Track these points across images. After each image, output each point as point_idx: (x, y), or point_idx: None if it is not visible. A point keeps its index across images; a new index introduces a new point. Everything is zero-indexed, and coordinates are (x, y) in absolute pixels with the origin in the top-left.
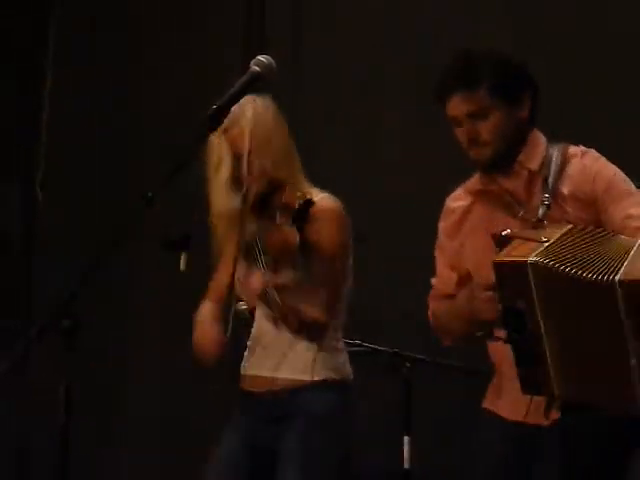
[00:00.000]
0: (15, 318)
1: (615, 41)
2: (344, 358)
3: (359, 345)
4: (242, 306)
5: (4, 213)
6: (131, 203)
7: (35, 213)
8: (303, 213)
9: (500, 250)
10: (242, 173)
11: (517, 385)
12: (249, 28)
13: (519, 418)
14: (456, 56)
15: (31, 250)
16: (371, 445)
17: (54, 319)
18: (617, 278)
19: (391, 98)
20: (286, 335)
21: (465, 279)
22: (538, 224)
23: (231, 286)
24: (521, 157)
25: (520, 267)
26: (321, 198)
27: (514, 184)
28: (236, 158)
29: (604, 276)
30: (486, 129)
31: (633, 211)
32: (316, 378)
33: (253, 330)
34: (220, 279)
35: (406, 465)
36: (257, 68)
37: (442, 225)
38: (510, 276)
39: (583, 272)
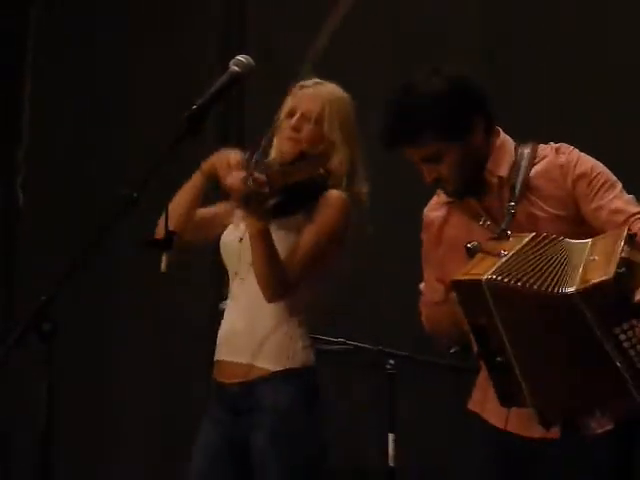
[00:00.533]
0: None
1: (616, 40)
2: (305, 345)
3: (343, 343)
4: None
5: None
6: (113, 204)
7: (16, 215)
8: (315, 185)
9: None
10: (290, 124)
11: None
12: (228, 28)
13: (501, 426)
14: (389, 107)
15: (12, 252)
16: (356, 443)
17: (34, 322)
18: (572, 290)
19: (375, 97)
20: (255, 321)
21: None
22: (501, 235)
23: None
24: (489, 166)
25: (476, 285)
26: (335, 191)
27: (486, 194)
28: (292, 111)
29: (558, 288)
30: (444, 170)
31: (618, 204)
32: (278, 367)
33: (223, 320)
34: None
35: (391, 463)
36: (236, 68)
37: (424, 236)
38: (469, 294)
39: (537, 285)
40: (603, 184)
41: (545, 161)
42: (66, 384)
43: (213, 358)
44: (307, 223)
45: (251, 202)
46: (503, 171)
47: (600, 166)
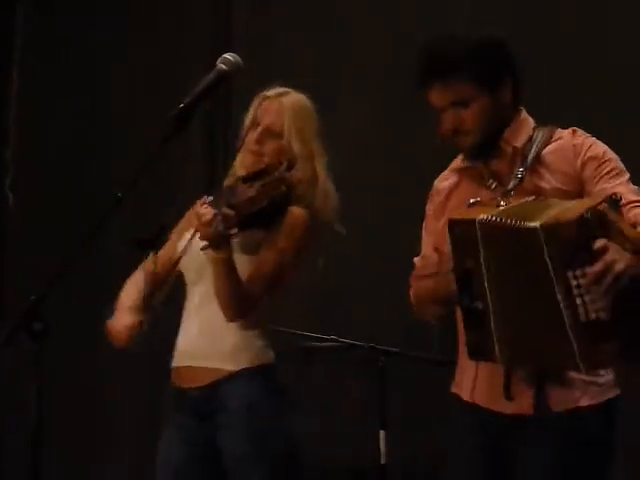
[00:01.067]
0: None
1: (615, 40)
2: (264, 344)
3: (335, 341)
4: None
5: None
6: (101, 204)
7: (5, 216)
8: (275, 206)
9: None
10: (252, 138)
11: (470, 364)
12: (216, 26)
13: (468, 398)
14: (431, 44)
15: (2, 252)
16: (347, 440)
17: (25, 321)
18: (536, 224)
19: (361, 92)
20: (210, 322)
21: (447, 259)
22: (506, 194)
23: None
24: (507, 134)
25: (470, 225)
26: (295, 208)
27: (499, 162)
28: (254, 123)
29: (524, 222)
30: (469, 117)
31: (619, 189)
32: (237, 367)
33: (181, 327)
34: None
35: (382, 460)
36: (223, 66)
37: (429, 206)
38: (461, 233)
39: (512, 220)
40: (611, 170)
41: (560, 141)
42: (57, 384)
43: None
44: (268, 241)
45: (218, 238)
46: (519, 142)
47: (612, 153)
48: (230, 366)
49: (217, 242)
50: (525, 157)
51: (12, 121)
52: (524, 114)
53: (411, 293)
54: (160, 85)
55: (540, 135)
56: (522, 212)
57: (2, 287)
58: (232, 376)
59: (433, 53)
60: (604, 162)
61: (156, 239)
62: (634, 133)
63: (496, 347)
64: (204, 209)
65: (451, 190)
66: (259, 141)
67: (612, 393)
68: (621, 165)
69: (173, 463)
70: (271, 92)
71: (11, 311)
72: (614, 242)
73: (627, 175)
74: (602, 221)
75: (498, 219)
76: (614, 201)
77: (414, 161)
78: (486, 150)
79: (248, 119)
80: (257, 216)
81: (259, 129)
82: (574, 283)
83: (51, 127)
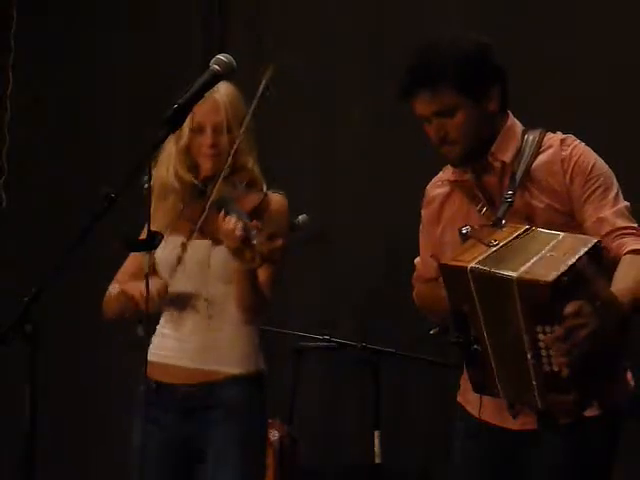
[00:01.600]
0: None
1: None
2: (259, 347)
3: (328, 340)
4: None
5: None
6: (95, 205)
7: None
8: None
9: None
10: (204, 143)
11: None
12: (209, 27)
13: (476, 414)
14: (417, 53)
15: None
16: (341, 440)
17: (16, 323)
18: (514, 275)
19: (347, 97)
20: (207, 324)
21: None
22: (497, 223)
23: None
24: (494, 149)
25: (461, 272)
26: (272, 195)
27: (489, 177)
28: (199, 129)
29: (503, 272)
30: (454, 127)
31: (606, 214)
32: (236, 372)
33: (169, 314)
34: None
35: (377, 460)
36: (217, 67)
37: (424, 212)
38: (454, 279)
39: (497, 269)
40: (597, 188)
41: (549, 152)
42: (50, 385)
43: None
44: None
45: (251, 250)
46: (507, 157)
47: (600, 166)
48: (230, 369)
49: (251, 254)
50: (513, 175)
51: (6, 122)
52: (511, 120)
53: (414, 295)
54: (155, 85)
55: (529, 145)
56: (512, 253)
57: None
58: (229, 379)
59: (419, 62)
60: (591, 179)
61: (149, 240)
62: (625, 139)
63: (499, 386)
64: (232, 223)
65: (444, 199)
66: (214, 144)
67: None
68: (610, 178)
69: (151, 455)
70: (217, 93)
71: (3, 312)
72: (586, 300)
73: (615, 189)
74: (578, 281)
75: (486, 269)
76: (597, 249)
77: (391, 170)
78: (473, 160)
79: (186, 126)
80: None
81: (207, 132)
82: (541, 337)
83: (44, 128)
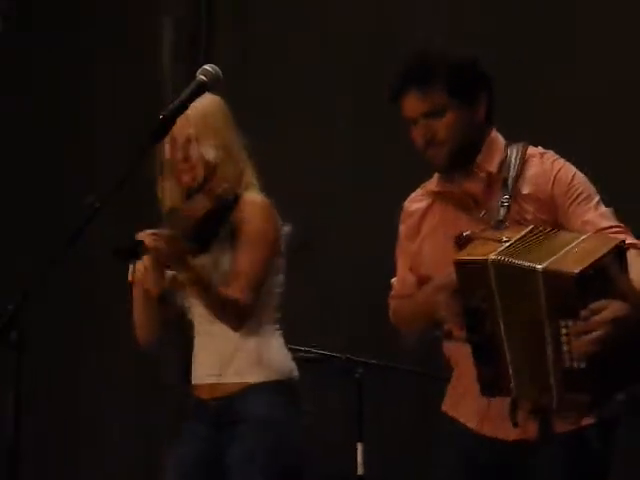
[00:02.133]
0: None
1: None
2: (285, 356)
3: (311, 352)
4: None
5: None
6: (79, 213)
7: None
8: (223, 204)
9: (460, 250)
10: (177, 158)
11: (474, 389)
12: (195, 36)
13: (474, 427)
14: (411, 55)
15: None
16: (324, 451)
17: (1, 331)
18: (540, 267)
19: (338, 101)
20: (223, 337)
21: (424, 281)
22: (499, 225)
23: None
24: (479, 159)
25: (481, 266)
26: (250, 194)
27: (473, 186)
28: (173, 142)
29: (529, 263)
30: (442, 128)
31: (589, 217)
32: (256, 380)
33: (195, 338)
34: None
35: (360, 471)
36: (204, 77)
37: (401, 227)
38: (471, 275)
39: (520, 260)
40: (579, 195)
41: (532, 164)
42: (36, 393)
43: (186, 365)
44: (236, 240)
45: (171, 260)
46: (493, 167)
47: (580, 177)
48: (249, 378)
49: (174, 264)
50: (505, 181)
51: None
52: (494, 133)
53: (390, 313)
54: (138, 91)
55: (514, 157)
56: (528, 249)
57: None
58: (251, 388)
59: (412, 62)
60: (572, 187)
61: (136, 249)
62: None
63: (512, 381)
64: (146, 236)
65: (425, 212)
66: (185, 157)
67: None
68: (590, 188)
69: (184, 465)
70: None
71: None
72: (611, 297)
73: (597, 198)
74: (603, 278)
75: (509, 260)
76: (621, 248)
77: (379, 176)
78: (458, 166)
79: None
80: (210, 224)
81: (178, 145)
82: (564, 331)
83: (23, 131)
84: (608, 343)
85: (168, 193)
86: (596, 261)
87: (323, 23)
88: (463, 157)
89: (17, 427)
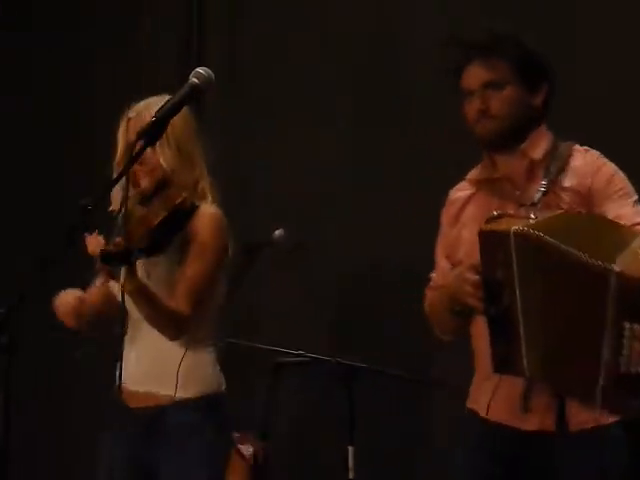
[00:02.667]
0: None
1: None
2: (215, 370)
3: (302, 356)
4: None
5: None
6: (71, 215)
7: None
8: (180, 213)
9: None
10: (144, 162)
11: (492, 382)
12: (187, 39)
13: (495, 418)
14: (481, 31)
15: None
16: (315, 455)
17: None
18: (616, 268)
19: (326, 101)
20: (156, 346)
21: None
22: (531, 207)
23: None
24: (525, 145)
25: (503, 236)
26: (206, 206)
27: (515, 171)
28: (130, 146)
29: (601, 262)
30: (498, 101)
31: (624, 211)
32: (185, 395)
33: (127, 339)
34: None
35: (350, 475)
36: (196, 80)
37: (443, 216)
38: (492, 245)
39: (577, 250)
40: (618, 190)
41: (576, 158)
42: (25, 394)
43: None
44: (186, 251)
45: (112, 264)
46: (537, 154)
47: (621, 175)
48: (176, 393)
49: (113, 266)
50: (547, 169)
51: None
52: (544, 127)
53: (425, 305)
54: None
55: (559, 150)
56: (570, 232)
57: None
58: (177, 404)
59: (480, 34)
60: (612, 182)
61: (126, 253)
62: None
63: (524, 358)
64: (89, 244)
65: (467, 200)
66: (141, 161)
67: None
68: (629, 187)
69: (113, 466)
70: (132, 112)
71: None
72: None
73: (635, 197)
74: None
75: (540, 235)
76: None
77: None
78: (504, 145)
79: (120, 148)
80: (164, 232)
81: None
82: (627, 334)
83: (18, 135)
84: None
85: (118, 195)
86: None
87: (323, 23)
88: (511, 137)
89: (7, 428)
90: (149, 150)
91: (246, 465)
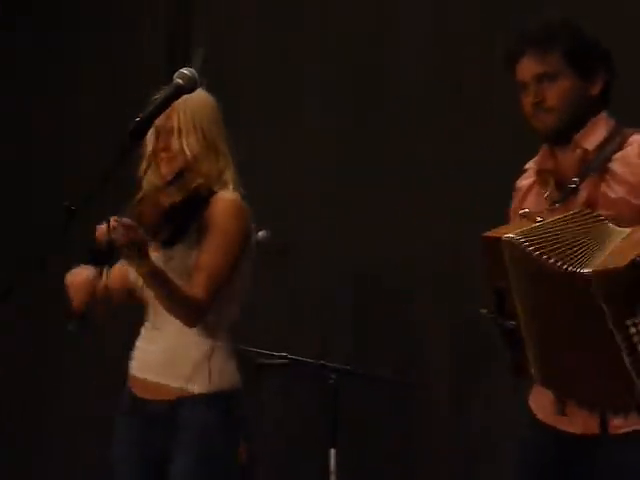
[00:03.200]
0: None
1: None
2: (231, 366)
3: (285, 357)
4: None
5: None
6: (55, 218)
7: None
8: (196, 199)
9: None
10: (158, 147)
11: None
12: (173, 35)
13: (540, 416)
14: (534, 22)
15: None
16: (297, 458)
17: None
18: (586, 270)
19: (311, 97)
20: (173, 337)
21: None
22: (552, 207)
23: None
24: (578, 135)
25: (496, 243)
26: (224, 192)
27: (566, 162)
28: (158, 132)
29: (575, 267)
30: (553, 93)
31: None
32: (205, 390)
33: (144, 328)
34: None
35: (332, 478)
36: (180, 81)
37: (512, 204)
38: (491, 251)
39: (553, 259)
40: None
41: (629, 148)
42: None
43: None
44: (203, 239)
45: (128, 249)
46: (590, 144)
47: None
48: (191, 387)
49: (128, 250)
50: (587, 165)
51: None
52: (605, 114)
53: None
54: (115, 92)
55: (615, 139)
56: (555, 237)
57: None
58: (191, 398)
59: (533, 26)
60: None
61: (110, 252)
62: None
63: (532, 366)
64: (100, 228)
65: (527, 190)
66: (165, 147)
67: None
68: None
69: (128, 461)
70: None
71: None
72: None
73: None
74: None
75: (526, 244)
76: None
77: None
78: (563, 137)
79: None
80: (181, 218)
81: (162, 135)
82: (633, 331)
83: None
84: None
85: (147, 182)
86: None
87: (323, 23)
88: (570, 129)
89: None
90: (175, 137)
91: None
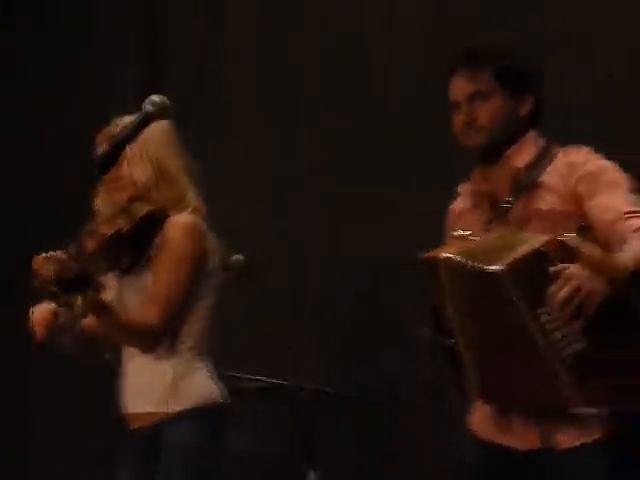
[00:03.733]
0: None
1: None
2: (206, 381)
3: (261, 381)
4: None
5: None
6: (55, 218)
7: None
8: (144, 226)
9: None
10: (110, 176)
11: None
12: (144, 44)
13: (484, 436)
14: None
15: None
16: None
17: None
18: (496, 266)
19: (311, 98)
20: (141, 366)
21: None
22: (486, 226)
23: None
24: (509, 152)
25: (434, 262)
26: (178, 215)
27: (499, 182)
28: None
29: (486, 265)
30: (484, 112)
31: (613, 201)
32: (176, 409)
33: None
34: None
35: None
36: (150, 108)
37: (446, 228)
38: (430, 271)
39: (475, 263)
40: (606, 182)
41: (556, 160)
42: None
43: None
44: (153, 264)
45: (57, 284)
46: (520, 162)
47: (612, 167)
48: (165, 408)
49: (65, 289)
50: (519, 183)
51: None
52: (534, 132)
53: None
54: (115, 92)
55: (544, 156)
56: (487, 250)
57: None
58: (168, 420)
59: (468, 48)
60: (600, 176)
61: (83, 280)
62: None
63: (470, 382)
64: (35, 264)
65: (461, 212)
66: (116, 177)
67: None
68: (619, 177)
69: None
70: (108, 129)
71: None
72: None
73: (625, 186)
74: (563, 251)
75: (459, 259)
76: (583, 229)
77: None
78: (492, 155)
79: None
80: (131, 246)
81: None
82: (546, 318)
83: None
84: (591, 302)
85: (97, 212)
86: (549, 240)
87: (323, 23)
88: (500, 147)
89: None
90: (124, 166)
91: None
